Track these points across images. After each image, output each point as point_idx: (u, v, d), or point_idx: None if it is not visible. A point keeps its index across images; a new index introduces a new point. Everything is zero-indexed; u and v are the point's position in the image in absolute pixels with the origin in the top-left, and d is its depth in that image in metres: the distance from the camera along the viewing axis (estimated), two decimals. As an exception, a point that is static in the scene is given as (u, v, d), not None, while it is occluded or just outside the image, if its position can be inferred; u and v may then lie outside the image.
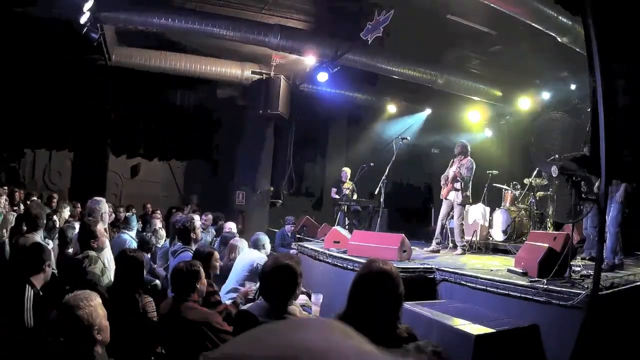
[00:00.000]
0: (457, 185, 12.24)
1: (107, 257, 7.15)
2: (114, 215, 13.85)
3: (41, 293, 5.57)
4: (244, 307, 4.94)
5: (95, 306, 4.16)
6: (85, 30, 14.11)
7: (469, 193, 12.45)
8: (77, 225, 8.64)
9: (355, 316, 3.89)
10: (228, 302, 7.44)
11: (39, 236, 7.98)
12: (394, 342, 3.86)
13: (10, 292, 5.39)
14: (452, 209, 12.54)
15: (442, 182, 12.66)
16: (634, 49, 6.73)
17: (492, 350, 6.12)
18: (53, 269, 7.07)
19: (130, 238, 10.31)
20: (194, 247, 8.52)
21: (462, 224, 12.61)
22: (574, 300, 6.23)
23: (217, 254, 7.30)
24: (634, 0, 6.89)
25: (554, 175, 11.98)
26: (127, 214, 13.32)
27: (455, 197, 12.28)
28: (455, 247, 12.65)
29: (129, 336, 5.05)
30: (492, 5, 12.23)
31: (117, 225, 13.40)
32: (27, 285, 5.42)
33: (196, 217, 9.58)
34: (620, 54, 6.62)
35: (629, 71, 6.60)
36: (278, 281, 4.65)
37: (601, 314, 6.11)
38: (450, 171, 12.46)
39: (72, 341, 4.07)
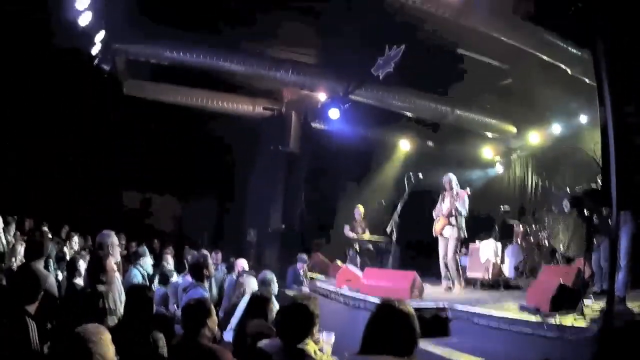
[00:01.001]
0: (453, 220, 12.07)
1: (118, 291, 7.13)
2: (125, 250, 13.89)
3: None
4: (259, 345, 4.92)
5: (106, 341, 4.14)
6: (96, 61, 14.21)
7: (464, 225, 12.29)
8: (88, 257, 8.64)
9: (370, 356, 3.87)
10: (230, 339, 7.44)
11: (40, 265, 7.96)
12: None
13: (10, 322, 5.34)
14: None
15: (435, 217, 12.48)
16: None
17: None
18: (54, 294, 7.05)
19: (137, 273, 10.30)
20: (206, 284, 8.49)
21: (457, 258, 12.47)
22: (586, 335, 6.17)
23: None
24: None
25: (566, 210, 11.91)
26: (139, 248, 13.36)
27: (451, 232, 12.09)
28: (469, 284, 12.57)
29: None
30: (502, 38, 12.28)
31: (129, 259, 13.45)
32: (26, 317, 5.37)
33: (214, 254, 9.58)
34: (630, 83, 6.62)
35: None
36: (294, 321, 4.72)
37: (614, 348, 6.05)
38: (444, 207, 12.28)
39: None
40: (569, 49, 12.37)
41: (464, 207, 12.04)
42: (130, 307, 5.90)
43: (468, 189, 12.41)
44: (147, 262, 11.14)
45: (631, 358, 6.18)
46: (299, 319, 4.71)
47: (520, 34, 12.47)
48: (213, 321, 5.59)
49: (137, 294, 5.97)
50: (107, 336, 4.18)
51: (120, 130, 19.24)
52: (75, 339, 4.09)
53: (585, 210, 9.77)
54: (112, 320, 6.06)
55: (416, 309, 4.61)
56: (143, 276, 10.47)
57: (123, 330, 5.45)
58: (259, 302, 6.76)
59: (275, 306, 7.22)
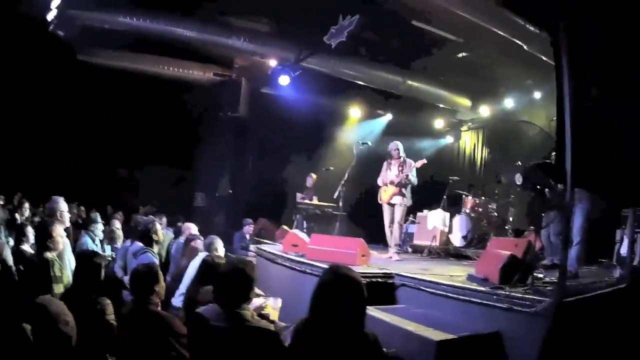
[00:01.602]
0: (404, 189, 12.10)
1: (67, 258, 7.05)
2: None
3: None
4: (198, 310, 4.88)
5: (67, 311, 4.13)
6: (52, 27, 14.08)
7: (410, 193, 12.32)
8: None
9: (320, 322, 3.86)
10: (179, 304, 7.39)
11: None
12: (362, 348, 3.84)
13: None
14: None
15: (382, 184, 12.38)
16: (604, 60, 6.79)
17: (454, 357, 6.07)
18: (11, 265, 6.98)
19: (88, 239, 10.28)
20: (155, 248, 8.46)
21: (402, 226, 12.57)
22: (537, 308, 6.18)
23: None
24: (608, 14, 6.94)
25: (518, 183, 11.97)
26: (91, 214, 13.23)
27: (401, 200, 12.09)
28: (416, 251, 12.63)
29: (86, 338, 4.96)
30: (458, 12, 12.24)
31: (81, 224, 13.33)
32: None
33: (157, 219, 9.52)
34: (589, 62, 6.65)
35: (598, 80, 6.65)
36: (231, 286, 4.73)
37: (565, 322, 6.08)
38: (391, 174, 12.23)
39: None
40: (527, 26, 12.37)
41: (414, 175, 12.05)
42: (79, 274, 5.84)
43: (424, 159, 12.37)
44: (99, 228, 11.10)
45: (582, 332, 6.24)
46: (235, 284, 4.73)
47: (478, 10, 12.42)
48: (161, 287, 5.58)
49: (86, 260, 5.91)
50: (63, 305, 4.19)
51: (75, 97, 18.98)
52: (47, 318, 4.07)
53: (536, 185, 9.82)
54: (58, 288, 5.98)
55: (363, 276, 4.61)
56: (94, 242, 10.45)
57: (72, 296, 5.40)
58: (210, 268, 6.69)
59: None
